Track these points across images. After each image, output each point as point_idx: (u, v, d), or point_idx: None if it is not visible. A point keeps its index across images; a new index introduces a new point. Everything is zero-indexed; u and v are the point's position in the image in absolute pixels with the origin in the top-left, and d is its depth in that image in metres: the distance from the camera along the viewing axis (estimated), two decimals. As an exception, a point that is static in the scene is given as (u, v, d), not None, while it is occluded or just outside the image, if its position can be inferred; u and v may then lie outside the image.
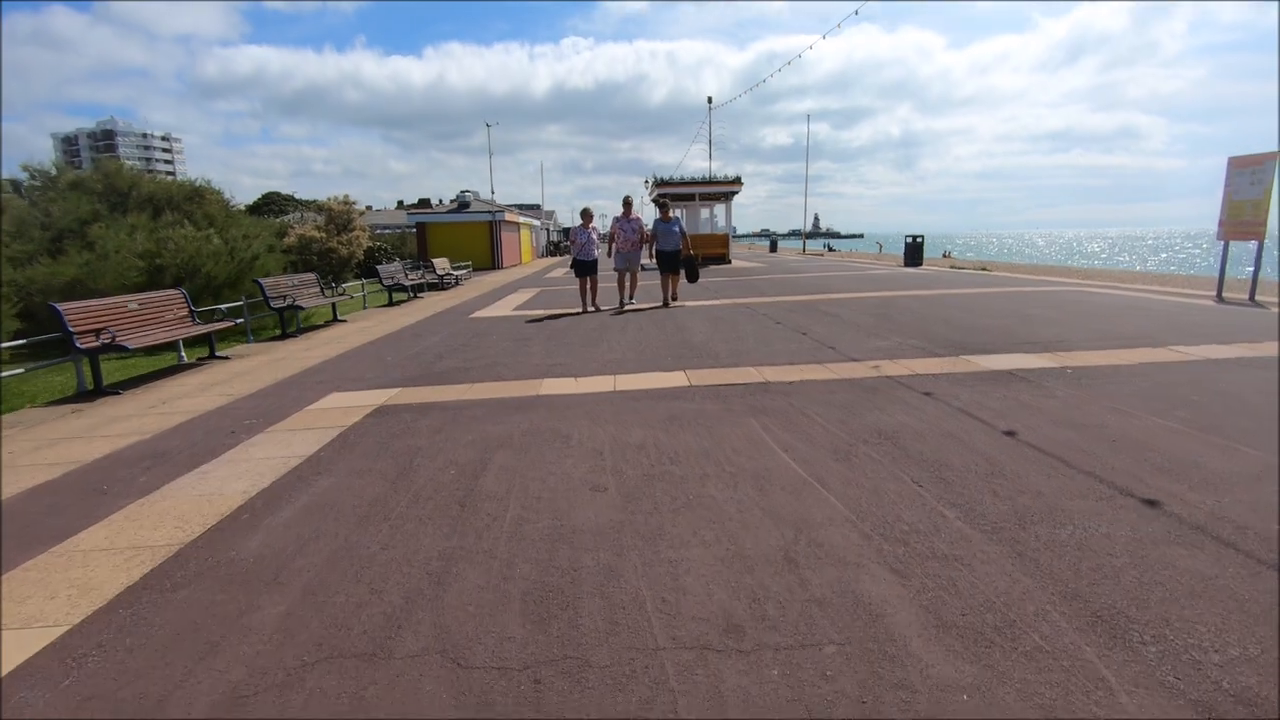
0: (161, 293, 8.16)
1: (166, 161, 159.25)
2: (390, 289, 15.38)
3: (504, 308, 13.30)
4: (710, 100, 33.93)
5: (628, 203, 11.93)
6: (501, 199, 46.64)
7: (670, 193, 26.65)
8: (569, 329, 9.53)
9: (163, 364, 8.59)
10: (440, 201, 36.75)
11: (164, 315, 7.95)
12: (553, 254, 54.10)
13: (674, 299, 12.00)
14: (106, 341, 6.47)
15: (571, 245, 11.57)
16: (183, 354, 8.48)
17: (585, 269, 11.60)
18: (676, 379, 6.02)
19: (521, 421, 4.86)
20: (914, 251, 22.76)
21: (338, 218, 32.44)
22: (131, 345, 6.56)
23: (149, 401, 6.20)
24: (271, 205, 64.64)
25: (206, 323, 8.43)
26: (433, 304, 14.99)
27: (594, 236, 11.67)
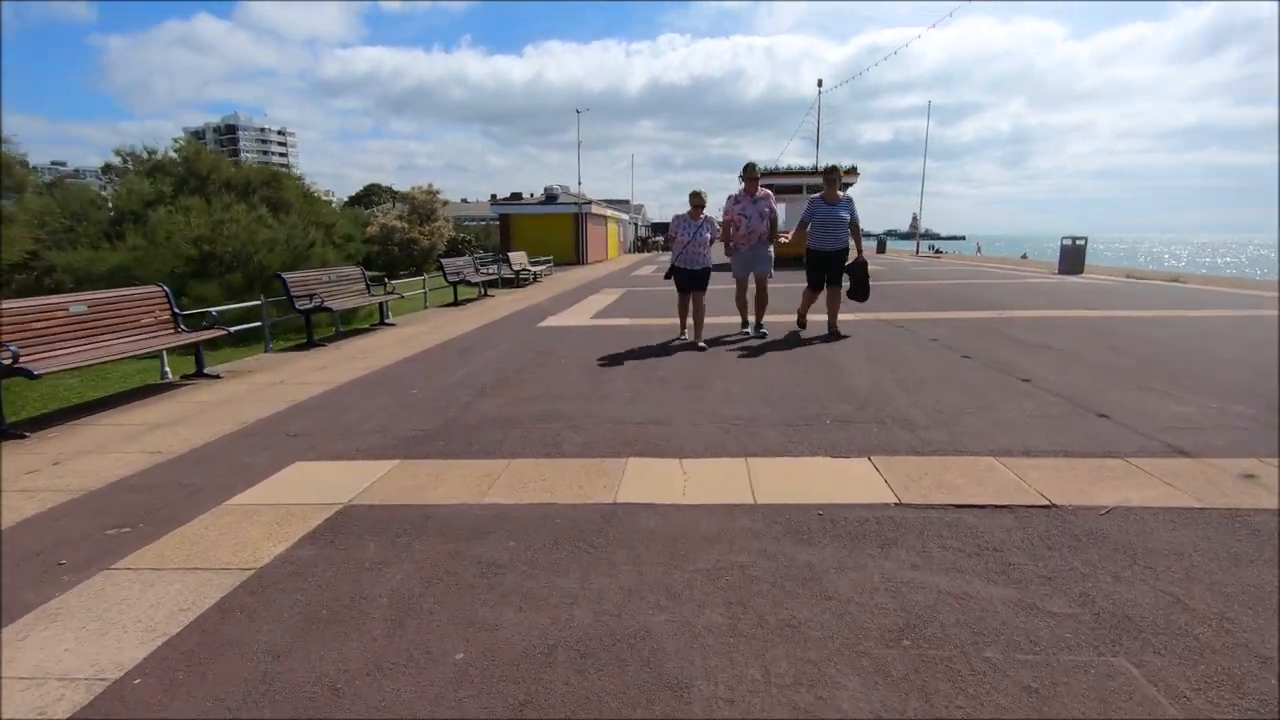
0: (131, 290, 6.22)
1: (281, 154, 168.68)
2: (455, 285, 13.39)
3: (582, 314, 10.95)
4: (820, 83, 30.61)
5: (751, 174, 7.32)
6: (591, 193, 44.79)
7: (771, 184, 23.69)
8: (665, 355, 7.00)
9: (133, 382, 6.71)
10: (531, 195, 35.31)
11: (134, 320, 6.01)
12: (640, 249, 51.94)
13: (834, 330, 7.73)
14: (5, 362, 4.47)
15: (671, 244, 7.42)
16: (166, 369, 6.56)
17: (690, 281, 7.32)
18: (862, 476, 3.38)
19: (581, 598, 2.36)
20: (1074, 257, 18.86)
21: (421, 208, 31.42)
22: (38, 371, 4.54)
23: (36, 458, 4.15)
24: (372, 196, 65.83)
25: (194, 329, 6.45)
26: (501, 305, 12.87)
27: (707, 235, 7.16)
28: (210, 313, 6.62)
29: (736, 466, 3.59)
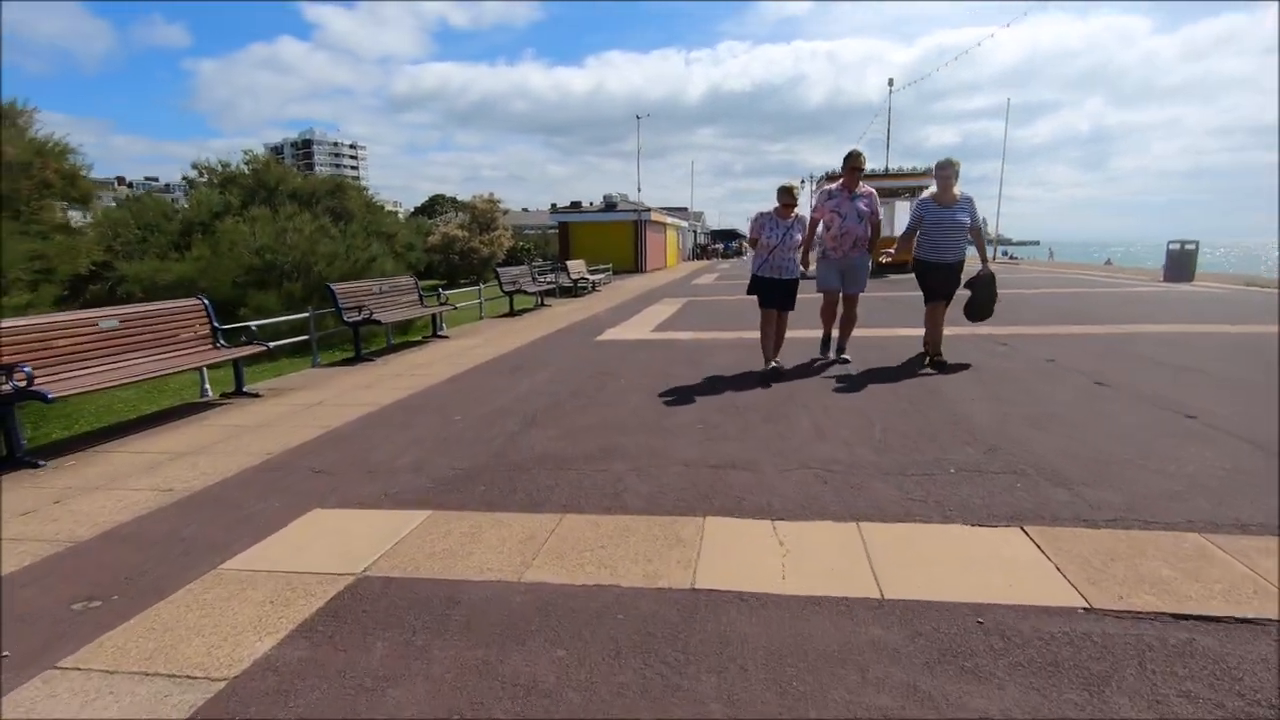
0: (168, 305, 5.88)
1: (353, 167, 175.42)
2: (511, 295, 12.94)
3: (642, 326, 10.27)
4: (891, 82, 29.22)
5: (855, 164, 6.07)
6: (649, 201, 44.31)
7: (844, 187, 22.59)
8: (739, 379, 6.24)
9: (186, 395, 6.39)
10: (590, 203, 35.08)
11: (171, 335, 5.66)
12: (699, 257, 51.14)
13: (937, 355, 6.32)
14: (17, 385, 4.09)
15: (754, 249, 6.08)
16: (206, 387, 6.21)
17: (775, 292, 5.99)
18: (1022, 558, 2.54)
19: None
20: (1182, 262, 17.08)
21: (481, 216, 31.50)
22: (53, 395, 4.14)
23: (41, 493, 3.71)
24: (436, 206, 67.36)
25: (234, 345, 6.07)
26: (558, 316, 12.33)
27: (798, 237, 5.87)
28: (250, 327, 6.23)
29: (847, 535, 2.80)
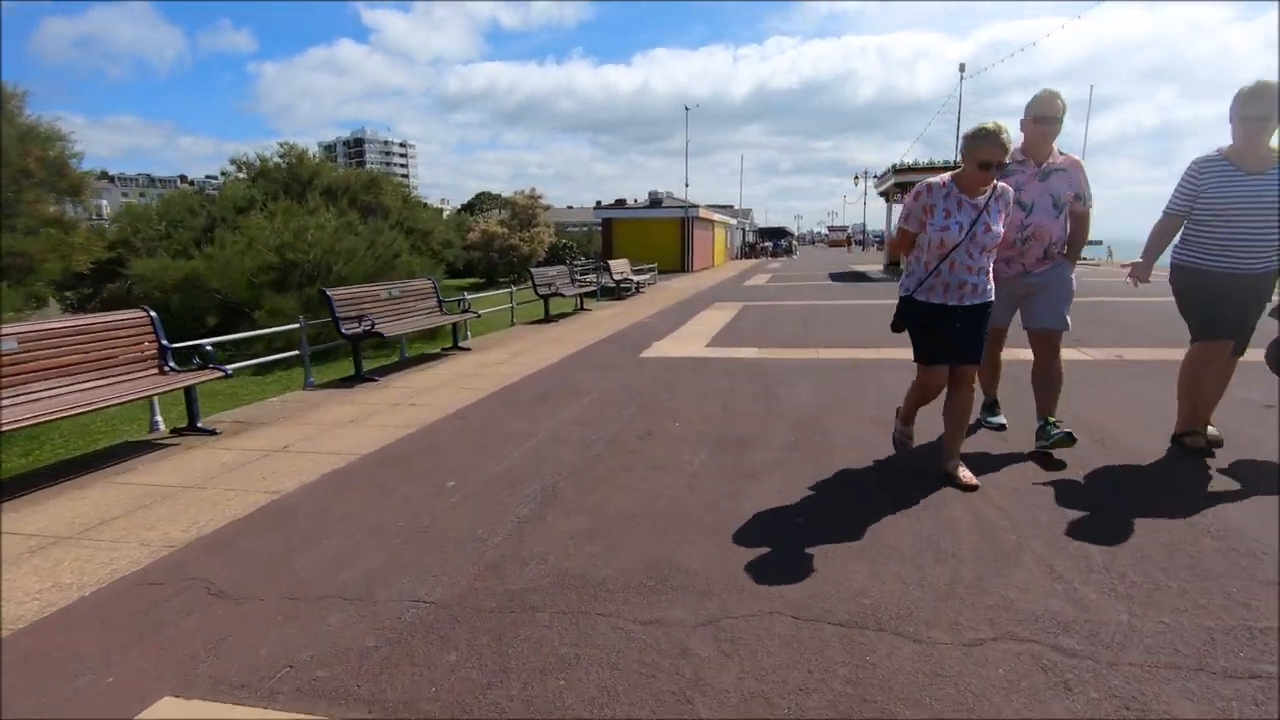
0: (99, 319, 4.63)
1: (403, 166, 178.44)
2: (546, 299, 11.58)
3: (694, 338, 8.76)
4: (962, 68, 26.96)
5: (1047, 112, 3.64)
6: (696, 199, 42.68)
7: (913, 181, 20.60)
8: (835, 425, 4.70)
9: (108, 437, 5.18)
10: (635, 200, 33.72)
11: (107, 357, 4.42)
12: (747, 255, 49.29)
13: (1201, 433, 3.80)
14: None
15: (902, 250, 3.37)
16: (157, 419, 4.98)
17: (950, 333, 3.25)
18: None
19: None
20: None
21: (521, 213, 30.39)
22: None
23: None
24: (482, 204, 67.10)
25: (183, 370, 4.80)
26: (598, 322, 10.92)
27: (998, 228, 3.15)
28: (205, 347, 4.94)
29: None
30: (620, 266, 16.36)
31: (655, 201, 32.62)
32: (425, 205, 36.83)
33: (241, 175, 21.68)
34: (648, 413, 4.99)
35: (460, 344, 8.58)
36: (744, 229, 53.57)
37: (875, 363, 6.71)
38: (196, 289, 11.74)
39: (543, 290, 11.50)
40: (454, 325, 8.46)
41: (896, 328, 3.47)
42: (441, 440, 4.49)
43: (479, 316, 9.06)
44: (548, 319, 11.58)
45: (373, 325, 6.58)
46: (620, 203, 32.10)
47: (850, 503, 3.21)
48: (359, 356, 6.70)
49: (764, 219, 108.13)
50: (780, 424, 4.60)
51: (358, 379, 6.64)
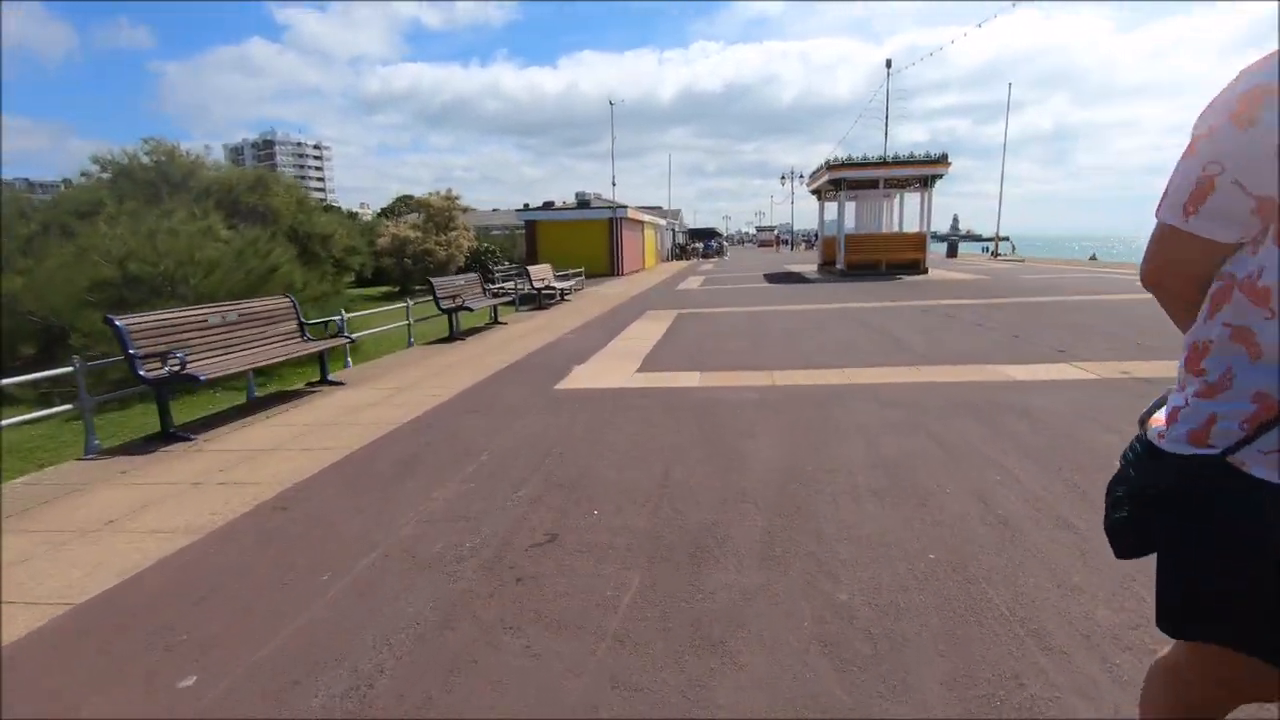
0: None
1: (317, 169, 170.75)
2: (451, 313, 9.88)
3: (623, 362, 7.30)
4: (889, 64, 26.62)
5: None
6: (625, 201, 41.27)
7: (848, 177, 19.83)
8: (829, 514, 3.33)
9: None
10: (564, 203, 31.99)
11: None
12: (679, 257, 48.36)
13: None
14: None
15: (1179, 299, 1.08)
16: None
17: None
18: None
19: None
20: None
21: (437, 215, 28.23)
22: None
23: None
24: (403, 207, 63.66)
25: None
26: (511, 340, 9.32)
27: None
28: None
29: None
30: (541, 272, 14.75)
31: (583, 203, 31.01)
32: (330, 209, 34.12)
33: (105, 175, 18.92)
34: (555, 490, 3.50)
35: (330, 377, 6.83)
36: (674, 230, 52.64)
37: (842, 392, 5.43)
38: (11, 312, 9.47)
39: (446, 304, 9.79)
40: (321, 355, 6.71)
41: (1129, 549, 1.14)
42: (228, 562, 2.86)
43: (353, 342, 7.33)
44: (453, 337, 9.88)
45: (182, 365, 4.81)
46: (549, 205, 30.37)
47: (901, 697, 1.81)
48: (165, 408, 4.91)
49: (693, 220, 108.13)
50: (746, 507, 3.18)
51: (166, 437, 4.86)
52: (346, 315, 8.63)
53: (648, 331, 9.67)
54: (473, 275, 11.66)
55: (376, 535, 3.04)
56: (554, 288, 14.54)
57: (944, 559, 2.59)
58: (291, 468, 4.09)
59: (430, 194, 28.69)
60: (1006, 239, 37.46)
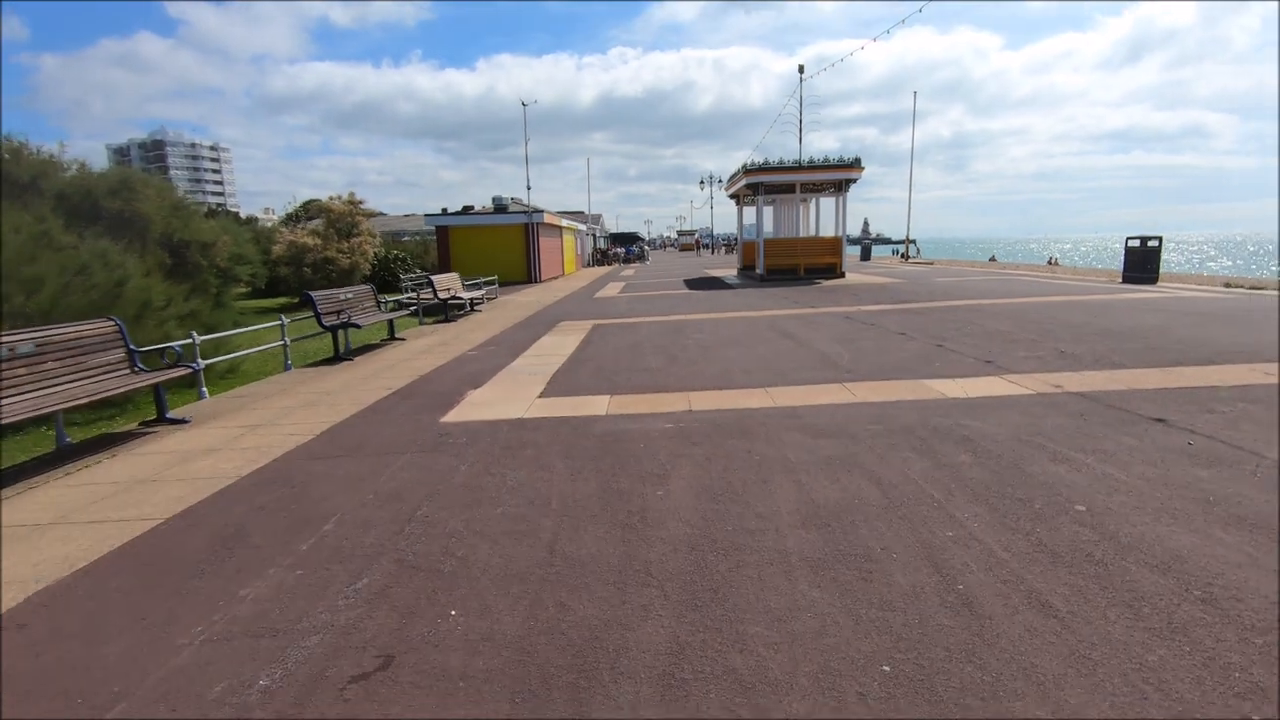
0: None
1: (215, 172, 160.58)
2: (335, 331, 8.78)
3: (524, 387, 6.50)
4: (801, 69, 26.86)
5: None
6: (547, 205, 40.19)
7: (765, 181, 19.66)
8: (757, 603, 2.66)
9: None
10: (484, 208, 30.64)
11: None
12: (600, 262, 47.66)
13: None
14: None
15: None
16: None
17: None
18: None
19: None
20: (1144, 261, 15.24)
21: (339, 221, 26.42)
22: None
23: None
24: (309, 212, 59.98)
25: None
26: (404, 360, 8.34)
27: None
28: None
29: None
30: (447, 282, 13.70)
31: (500, 207, 29.81)
32: (217, 213, 31.58)
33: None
34: (407, 578, 2.70)
35: (171, 415, 5.71)
36: (595, 235, 51.93)
37: (767, 419, 4.85)
38: None
39: (329, 320, 8.68)
40: (157, 389, 5.59)
41: None
42: (-119, 739, 1.92)
43: (195, 371, 6.21)
44: (338, 358, 8.80)
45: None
46: (469, 209, 28.95)
47: None
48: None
49: (614, 225, 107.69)
50: (650, 593, 2.49)
51: (-90, 512, 3.71)
52: (207, 336, 7.45)
53: (558, 346, 8.89)
54: (365, 288, 10.54)
55: (131, 673, 2.15)
56: (461, 298, 13.51)
57: (903, 672, 1.97)
58: (64, 554, 3.11)
59: (330, 198, 26.84)
60: (914, 242, 38.82)
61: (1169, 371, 5.71)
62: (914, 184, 34.25)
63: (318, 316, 8.66)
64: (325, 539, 3.10)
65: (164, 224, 17.22)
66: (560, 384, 6.41)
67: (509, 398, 5.93)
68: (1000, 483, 3.39)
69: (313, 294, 8.75)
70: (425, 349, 9.37)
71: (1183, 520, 2.88)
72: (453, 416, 5.34)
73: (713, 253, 60.19)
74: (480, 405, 5.70)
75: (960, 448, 3.96)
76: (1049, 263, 34.21)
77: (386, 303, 11.81)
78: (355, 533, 3.16)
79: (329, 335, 9.07)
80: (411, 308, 13.27)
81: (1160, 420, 4.33)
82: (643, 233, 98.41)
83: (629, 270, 35.29)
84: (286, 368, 8.44)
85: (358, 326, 9.01)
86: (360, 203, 26.88)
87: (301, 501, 3.61)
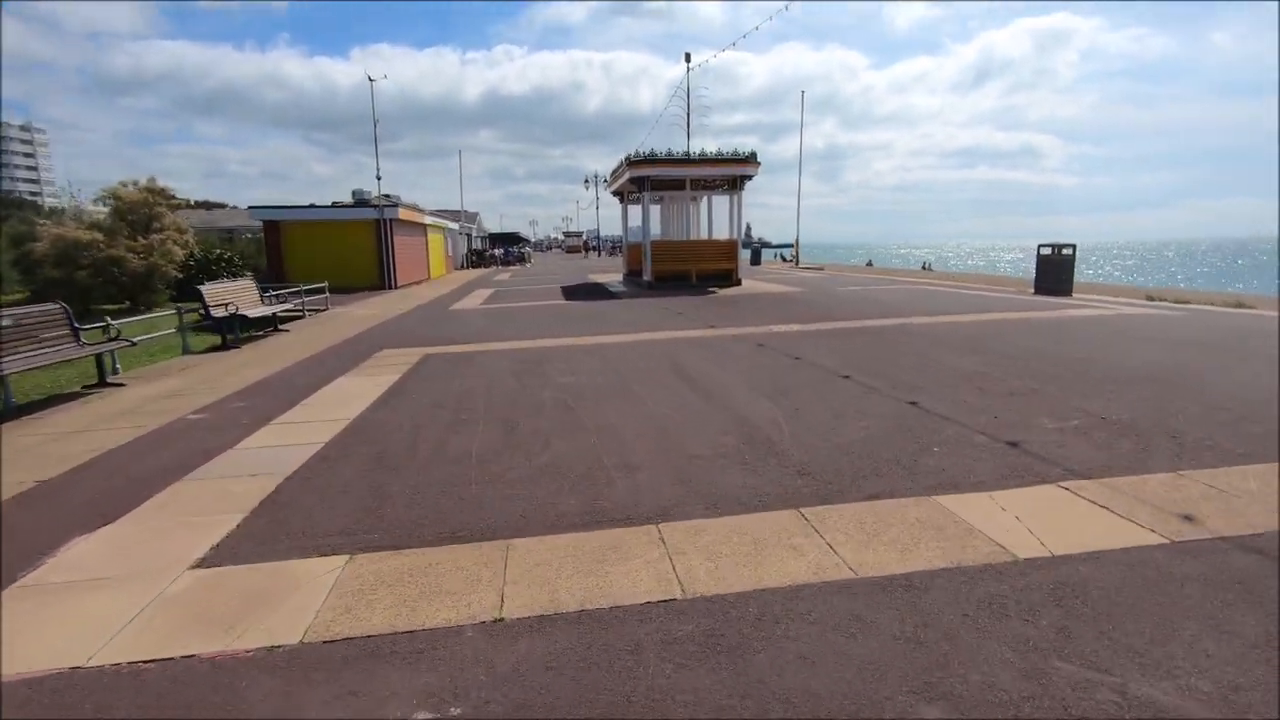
0: None
1: (26, 155, 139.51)
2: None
3: (203, 520, 3.37)
4: (688, 57, 24.75)
5: None
6: (429, 205, 35.80)
7: (652, 175, 17.13)
8: None
9: None
10: (338, 203, 26.16)
11: None
12: (475, 264, 43.73)
13: None
14: None
15: None
16: None
17: None
18: None
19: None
20: (1057, 272, 14.04)
21: (131, 212, 21.27)
22: None
23: None
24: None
25: None
26: (90, 426, 4.93)
27: None
28: None
29: None
30: (227, 293, 10.02)
31: (361, 201, 25.55)
32: (9, 203, 25.21)
33: None
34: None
35: None
36: (470, 235, 47.83)
37: (678, 655, 2.09)
38: None
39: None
40: None
41: None
42: None
43: None
44: (17, 411, 5.19)
45: None
46: (337, 205, 24.51)
47: None
48: None
49: (499, 224, 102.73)
50: None
51: None
52: None
53: (346, 401, 5.77)
54: (51, 307, 6.86)
55: None
56: (244, 315, 9.86)
57: None
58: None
59: (120, 184, 21.63)
60: (792, 246, 38.03)
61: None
62: (792, 192, 33.23)
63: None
64: None
65: None
66: (276, 514, 3.36)
67: (127, 576, 2.81)
68: None
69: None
70: (118, 411, 5.89)
71: None
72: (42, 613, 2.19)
73: (599, 255, 57.72)
74: (40, 624, 2.56)
75: None
76: (923, 268, 34.33)
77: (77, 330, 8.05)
78: None
79: (85, 361, 5.41)
80: (121, 342, 9.55)
81: None
82: (529, 233, 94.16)
83: (504, 275, 31.84)
84: None
85: (34, 369, 5.40)
86: (163, 190, 21.79)
87: None
